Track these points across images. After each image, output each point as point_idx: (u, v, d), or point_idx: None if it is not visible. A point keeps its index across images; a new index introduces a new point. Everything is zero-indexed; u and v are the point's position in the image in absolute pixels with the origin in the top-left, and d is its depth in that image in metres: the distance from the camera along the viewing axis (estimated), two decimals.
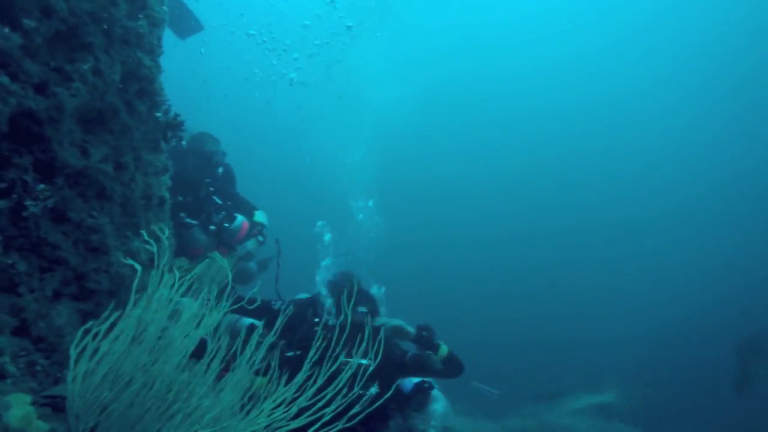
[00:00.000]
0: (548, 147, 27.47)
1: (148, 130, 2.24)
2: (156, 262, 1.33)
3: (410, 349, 3.09)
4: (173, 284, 1.56)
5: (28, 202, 1.51)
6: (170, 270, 1.59)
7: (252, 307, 2.64)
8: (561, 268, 23.76)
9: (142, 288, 1.60)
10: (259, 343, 3.15)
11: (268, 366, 1.99)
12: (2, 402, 1.11)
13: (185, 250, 4.06)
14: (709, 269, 22.01)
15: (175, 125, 2.41)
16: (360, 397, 2.35)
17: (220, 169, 4.48)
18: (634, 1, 23.64)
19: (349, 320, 1.99)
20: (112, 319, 1.34)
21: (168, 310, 1.44)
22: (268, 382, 1.87)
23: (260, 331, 1.83)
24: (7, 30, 1.45)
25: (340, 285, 3.01)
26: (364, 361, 2.83)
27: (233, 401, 1.50)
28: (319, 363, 1.73)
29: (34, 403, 1.51)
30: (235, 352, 1.65)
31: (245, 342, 1.66)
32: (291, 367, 2.18)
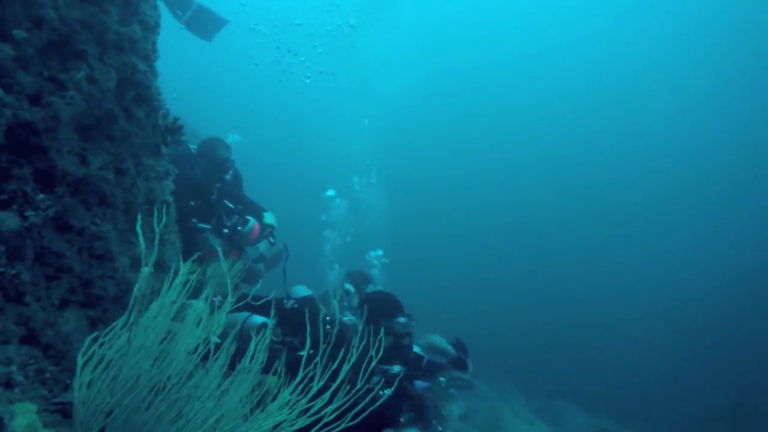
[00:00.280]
0: (554, 134, 27.16)
1: (148, 135, 2.25)
2: (143, 261, 1.33)
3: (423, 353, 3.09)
4: (177, 288, 1.57)
5: (28, 212, 1.53)
6: (176, 273, 1.60)
7: (260, 304, 2.65)
8: (569, 255, 23.57)
9: (151, 293, 1.61)
10: (273, 343, 3.18)
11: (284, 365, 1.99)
12: (8, 411, 1.13)
13: (200, 255, 4.11)
14: (716, 253, 21.66)
15: (174, 129, 2.42)
16: (375, 398, 2.35)
17: (229, 174, 4.54)
18: None
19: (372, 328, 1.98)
20: (117, 326, 1.36)
21: (171, 313, 1.44)
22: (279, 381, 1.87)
23: (271, 330, 1.83)
24: None
25: (367, 291, 3.03)
26: (396, 368, 2.85)
27: (239, 402, 1.50)
28: (336, 365, 1.69)
29: (45, 410, 1.53)
30: (244, 350, 1.64)
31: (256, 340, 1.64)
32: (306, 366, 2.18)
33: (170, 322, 1.57)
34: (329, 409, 1.46)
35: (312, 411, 1.45)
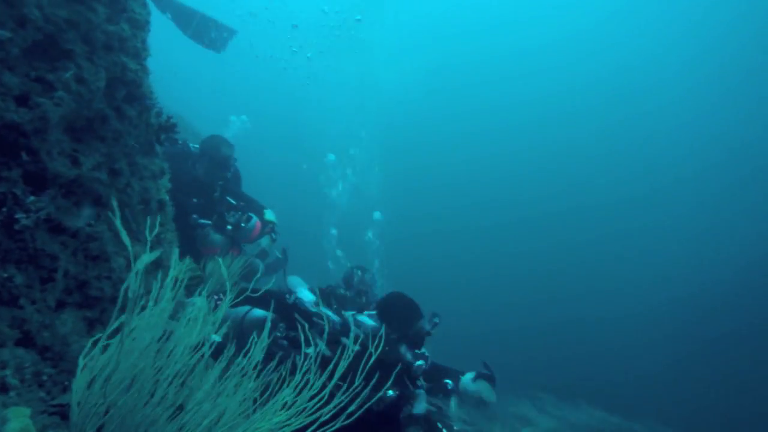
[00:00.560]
0: (554, 129, 26.99)
1: (141, 135, 2.23)
2: (133, 262, 1.31)
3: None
4: (174, 287, 1.56)
5: (18, 215, 1.52)
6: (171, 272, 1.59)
7: (259, 296, 2.64)
8: (568, 251, 23.50)
9: (148, 292, 1.60)
10: (277, 338, 3.17)
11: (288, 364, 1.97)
12: (1, 415, 1.12)
13: (201, 250, 4.15)
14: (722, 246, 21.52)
15: (168, 127, 2.40)
16: (381, 399, 2.33)
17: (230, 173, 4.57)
18: None
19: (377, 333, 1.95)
20: (110, 327, 1.35)
21: (165, 313, 1.43)
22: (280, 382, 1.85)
23: (269, 323, 1.82)
24: None
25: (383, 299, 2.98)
26: (421, 362, 2.82)
27: (239, 403, 1.49)
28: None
29: (43, 412, 1.53)
30: (245, 345, 1.62)
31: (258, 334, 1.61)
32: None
33: (167, 321, 1.56)
34: (333, 411, 1.45)
35: (330, 407, 1.43)
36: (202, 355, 1.53)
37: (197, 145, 4.60)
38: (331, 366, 1.57)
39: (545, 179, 26.36)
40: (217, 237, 4.20)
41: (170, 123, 2.40)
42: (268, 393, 1.50)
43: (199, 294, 2.52)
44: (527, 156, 26.88)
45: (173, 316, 1.65)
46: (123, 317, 1.18)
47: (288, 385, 1.48)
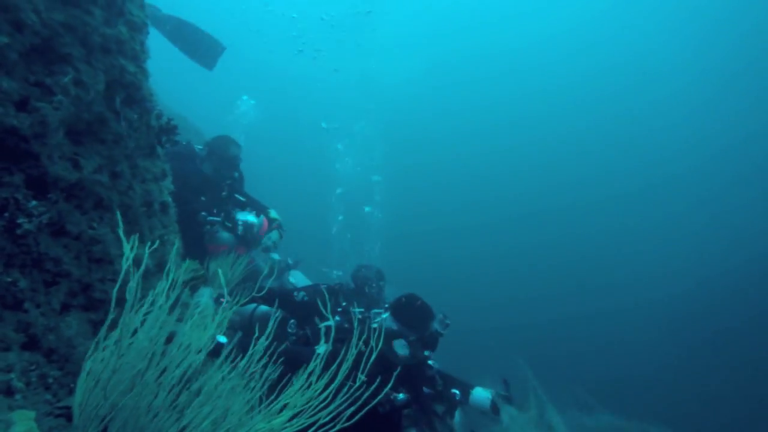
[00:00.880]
0: (556, 125, 26.79)
1: (141, 137, 2.24)
2: (124, 261, 1.32)
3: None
4: (176, 288, 1.56)
5: (21, 220, 1.52)
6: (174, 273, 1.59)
7: (262, 294, 2.64)
8: (568, 249, 23.34)
9: (152, 294, 1.60)
10: (289, 335, 3.17)
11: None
12: (5, 419, 1.13)
13: (208, 247, 4.20)
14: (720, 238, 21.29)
15: (168, 129, 2.41)
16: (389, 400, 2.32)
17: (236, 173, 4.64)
18: None
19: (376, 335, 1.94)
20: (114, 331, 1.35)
21: (163, 314, 1.43)
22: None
23: (276, 319, 1.81)
24: None
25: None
26: (431, 362, 2.83)
27: (244, 403, 1.49)
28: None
29: (49, 414, 1.54)
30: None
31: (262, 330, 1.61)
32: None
33: (173, 322, 1.56)
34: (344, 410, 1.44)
35: (332, 406, 1.42)
36: (207, 356, 1.54)
37: (200, 146, 4.65)
38: (334, 366, 1.57)
39: (546, 175, 26.22)
40: (225, 235, 4.27)
41: (171, 125, 2.41)
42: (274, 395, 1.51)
43: (205, 294, 2.53)
44: (530, 152, 26.73)
45: (177, 317, 1.66)
46: (122, 319, 1.18)
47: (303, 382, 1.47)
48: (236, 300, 1.86)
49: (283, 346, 1.62)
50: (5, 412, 1.22)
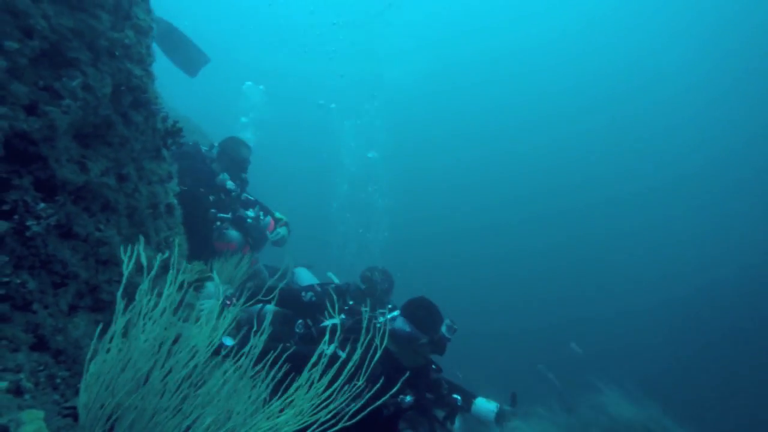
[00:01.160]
0: (559, 128, 26.72)
1: (147, 140, 2.26)
2: (125, 263, 1.33)
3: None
4: (182, 289, 1.58)
5: (29, 222, 1.55)
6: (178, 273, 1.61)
7: (272, 296, 2.67)
8: (569, 250, 23.25)
9: (158, 295, 1.62)
10: (297, 335, 3.19)
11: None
12: (15, 419, 1.15)
13: (217, 246, 4.27)
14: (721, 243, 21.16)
15: (174, 132, 2.43)
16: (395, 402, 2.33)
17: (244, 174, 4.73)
18: None
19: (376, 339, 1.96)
20: (114, 331, 1.37)
21: (166, 316, 1.45)
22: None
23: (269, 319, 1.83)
24: None
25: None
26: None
27: (249, 404, 1.51)
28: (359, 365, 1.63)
29: (57, 414, 1.57)
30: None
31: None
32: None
33: (177, 323, 1.58)
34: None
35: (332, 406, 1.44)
36: (211, 357, 1.56)
37: (206, 147, 4.71)
38: (338, 365, 1.58)
39: (550, 178, 26.16)
40: (234, 233, 4.35)
41: (176, 127, 2.43)
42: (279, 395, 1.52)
43: (210, 295, 2.54)
44: (534, 155, 26.68)
45: (183, 318, 1.68)
46: (124, 320, 1.20)
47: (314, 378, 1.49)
48: (242, 302, 1.89)
49: (292, 348, 1.63)
50: (15, 412, 1.24)
